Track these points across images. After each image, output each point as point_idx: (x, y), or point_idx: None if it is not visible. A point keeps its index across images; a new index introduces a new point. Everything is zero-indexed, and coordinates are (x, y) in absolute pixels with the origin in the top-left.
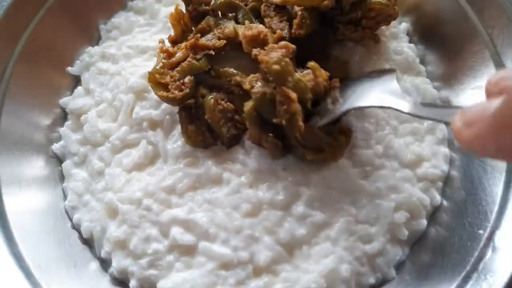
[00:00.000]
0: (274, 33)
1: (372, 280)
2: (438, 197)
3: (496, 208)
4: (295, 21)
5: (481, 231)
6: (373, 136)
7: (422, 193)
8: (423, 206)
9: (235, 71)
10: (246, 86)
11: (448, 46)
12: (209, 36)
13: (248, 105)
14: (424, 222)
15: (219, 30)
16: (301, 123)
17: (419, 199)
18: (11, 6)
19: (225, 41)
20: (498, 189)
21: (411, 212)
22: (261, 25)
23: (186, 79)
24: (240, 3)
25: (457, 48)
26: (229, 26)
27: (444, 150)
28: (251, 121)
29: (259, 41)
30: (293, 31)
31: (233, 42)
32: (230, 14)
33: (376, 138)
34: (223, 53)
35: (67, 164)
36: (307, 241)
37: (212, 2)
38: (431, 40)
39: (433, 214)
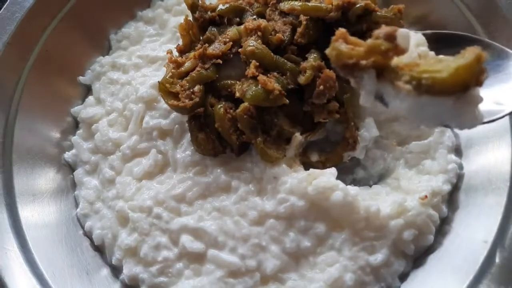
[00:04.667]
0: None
1: None
2: (445, 210)
3: (500, 217)
4: (299, 29)
5: (485, 242)
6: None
7: (432, 210)
8: (432, 222)
9: (232, 82)
10: (237, 94)
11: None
12: (216, 44)
13: (241, 107)
14: (431, 237)
15: (223, 36)
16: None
17: (429, 216)
18: (24, 18)
19: (231, 43)
20: (502, 199)
21: (419, 230)
22: (262, 19)
23: (196, 88)
24: (246, 6)
25: None
26: (232, 30)
27: (455, 159)
28: (243, 123)
29: (260, 31)
30: (295, 37)
31: (238, 44)
32: (235, 19)
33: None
34: (230, 60)
35: (78, 172)
36: (313, 250)
37: (218, 8)
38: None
39: (439, 225)
